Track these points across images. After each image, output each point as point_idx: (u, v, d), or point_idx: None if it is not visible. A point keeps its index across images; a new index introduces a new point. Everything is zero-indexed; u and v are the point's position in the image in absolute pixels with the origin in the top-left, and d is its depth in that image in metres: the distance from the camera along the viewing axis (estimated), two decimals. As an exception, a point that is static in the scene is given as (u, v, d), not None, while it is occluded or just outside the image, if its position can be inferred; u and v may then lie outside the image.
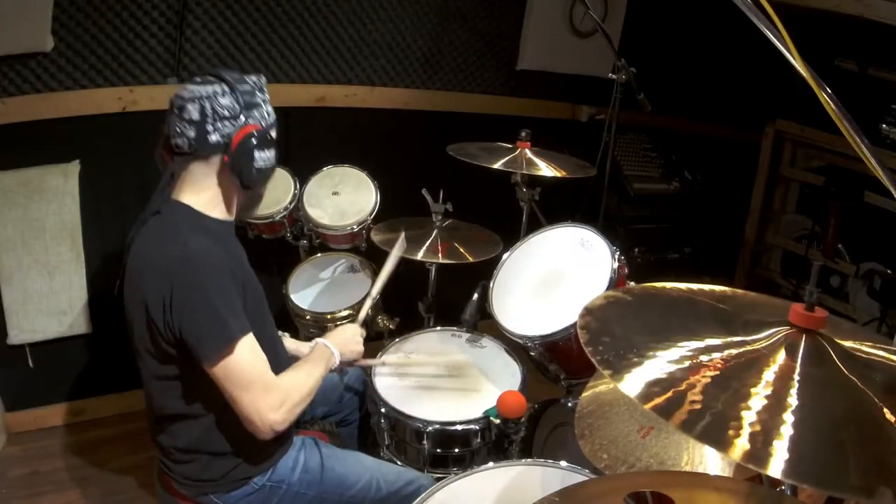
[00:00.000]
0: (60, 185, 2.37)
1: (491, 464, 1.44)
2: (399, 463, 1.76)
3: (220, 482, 1.45)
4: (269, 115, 1.43)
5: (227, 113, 1.34)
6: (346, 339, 1.69)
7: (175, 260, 1.29)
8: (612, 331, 0.92)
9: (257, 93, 1.40)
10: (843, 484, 0.68)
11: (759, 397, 0.78)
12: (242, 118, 1.36)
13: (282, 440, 1.53)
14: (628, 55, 2.46)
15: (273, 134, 1.44)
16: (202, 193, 1.40)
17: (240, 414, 1.33)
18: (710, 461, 1.13)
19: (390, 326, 2.41)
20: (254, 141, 1.35)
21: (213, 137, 1.34)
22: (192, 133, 1.33)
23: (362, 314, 1.92)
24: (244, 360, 1.31)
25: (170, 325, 1.29)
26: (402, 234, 2.07)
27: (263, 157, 1.38)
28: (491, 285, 1.99)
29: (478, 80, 3.21)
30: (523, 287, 1.94)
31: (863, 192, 3.12)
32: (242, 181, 1.38)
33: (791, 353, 0.85)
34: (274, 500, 1.50)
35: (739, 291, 1.11)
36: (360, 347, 1.72)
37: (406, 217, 2.38)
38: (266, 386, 1.34)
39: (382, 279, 1.96)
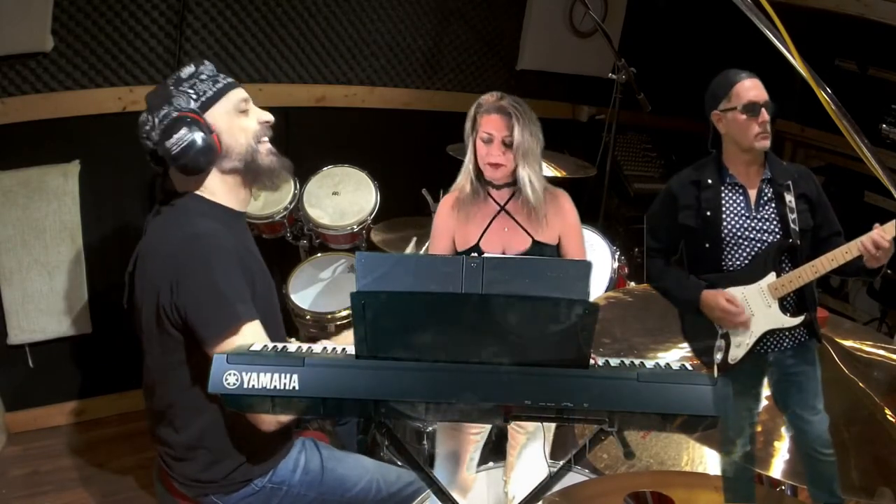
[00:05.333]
0: (60, 185, 2.37)
1: (491, 464, 1.44)
2: (399, 463, 1.76)
3: (221, 483, 1.45)
4: (189, 99, 1.37)
5: (148, 119, 1.36)
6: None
7: (183, 242, 1.30)
8: (613, 332, 0.92)
9: (173, 86, 1.37)
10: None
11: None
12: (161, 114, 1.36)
13: (283, 441, 1.53)
14: (628, 55, 2.46)
15: (189, 115, 1.36)
16: (202, 182, 1.41)
17: None
18: (710, 461, 1.13)
19: (390, 326, 2.41)
20: (166, 131, 1.33)
21: (149, 145, 1.37)
22: (149, 149, 1.37)
23: None
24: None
25: (177, 306, 1.29)
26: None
27: (178, 136, 1.33)
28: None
29: (478, 80, 3.20)
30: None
31: (863, 192, 3.12)
32: (178, 166, 1.35)
33: (791, 354, 0.85)
34: (274, 502, 1.49)
35: (739, 291, 1.11)
36: None
37: (406, 217, 2.38)
38: None
39: None
